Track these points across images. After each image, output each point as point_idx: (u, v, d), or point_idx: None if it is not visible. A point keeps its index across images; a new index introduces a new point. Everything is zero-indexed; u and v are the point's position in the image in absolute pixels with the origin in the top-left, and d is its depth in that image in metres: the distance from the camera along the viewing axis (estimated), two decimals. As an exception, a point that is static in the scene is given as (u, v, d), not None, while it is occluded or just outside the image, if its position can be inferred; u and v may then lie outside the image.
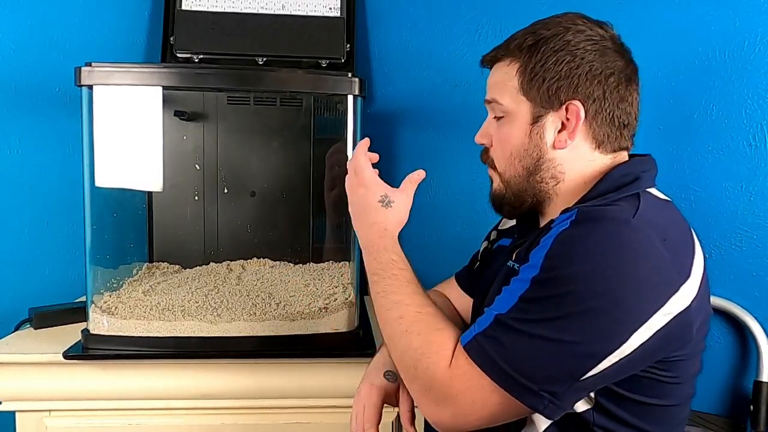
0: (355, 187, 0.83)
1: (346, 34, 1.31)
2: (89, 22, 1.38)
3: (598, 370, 0.64)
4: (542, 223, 0.84)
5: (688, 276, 0.67)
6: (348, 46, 1.31)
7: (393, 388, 0.82)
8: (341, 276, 1.16)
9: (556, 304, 0.64)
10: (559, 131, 0.77)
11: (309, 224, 1.25)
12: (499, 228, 1.02)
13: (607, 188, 0.75)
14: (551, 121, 0.77)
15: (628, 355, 0.64)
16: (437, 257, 1.46)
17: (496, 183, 0.84)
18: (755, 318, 1.31)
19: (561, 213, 0.75)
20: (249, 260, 1.24)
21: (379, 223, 0.80)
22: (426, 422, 0.74)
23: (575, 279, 0.63)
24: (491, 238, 1.03)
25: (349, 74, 0.98)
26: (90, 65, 0.92)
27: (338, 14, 1.32)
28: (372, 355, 0.98)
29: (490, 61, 0.84)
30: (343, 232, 1.14)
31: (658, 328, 0.64)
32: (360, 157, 0.84)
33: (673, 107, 1.37)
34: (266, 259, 1.25)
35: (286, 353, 1.00)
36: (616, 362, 0.64)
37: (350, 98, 1.00)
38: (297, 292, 1.08)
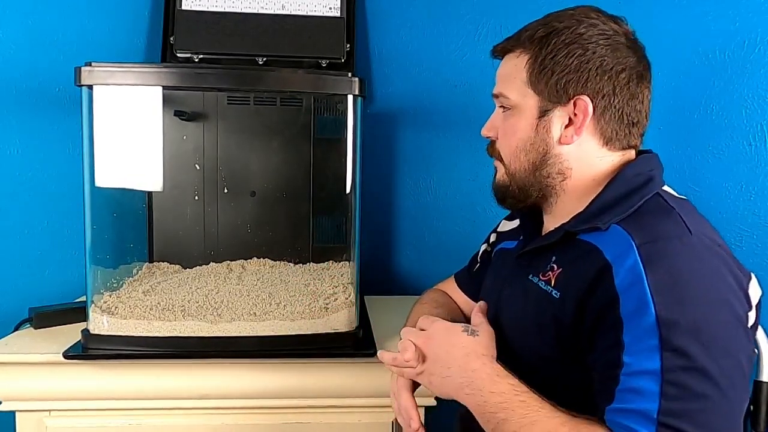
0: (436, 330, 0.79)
1: (346, 34, 1.31)
2: (89, 22, 1.38)
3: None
4: (548, 223, 0.83)
5: (749, 275, 0.70)
6: (348, 46, 1.31)
7: None
8: (341, 276, 1.16)
9: (701, 354, 0.62)
10: (566, 126, 0.76)
11: (309, 224, 1.25)
12: (498, 230, 1.01)
13: (622, 190, 0.74)
14: (558, 116, 0.76)
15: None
16: (437, 257, 1.46)
17: (501, 174, 0.83)
18: (755, 318, 1.31)
19: (575, 219, 0.75)
20: (249, 260, 1.24)
21: (471, 352, 0.74)
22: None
23: (698, 326, 0.63)
24: (490, 240, 1.03)
25: (349, 74, 0.98)
26: (90, 65, 0.92)
27: (338, 14, 1.32)
28: (372, 355, 0.99)
29: (500, 51, 0.82)
30: (344, 232, 1.14)
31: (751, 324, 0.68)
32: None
33: (673, 107, 1.37)
34: (266, 259, 1.24)
35: (286, 353, 0.99)
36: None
37: (350, 98, 1.00)
38: (297, 292, 1.08)
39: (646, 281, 0.64)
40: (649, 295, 0.63)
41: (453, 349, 0.75)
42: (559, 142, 0.76)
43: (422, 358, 0.77)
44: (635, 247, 0.66)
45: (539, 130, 0.77)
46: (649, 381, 0.62)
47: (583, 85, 0.74)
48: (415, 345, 0.78)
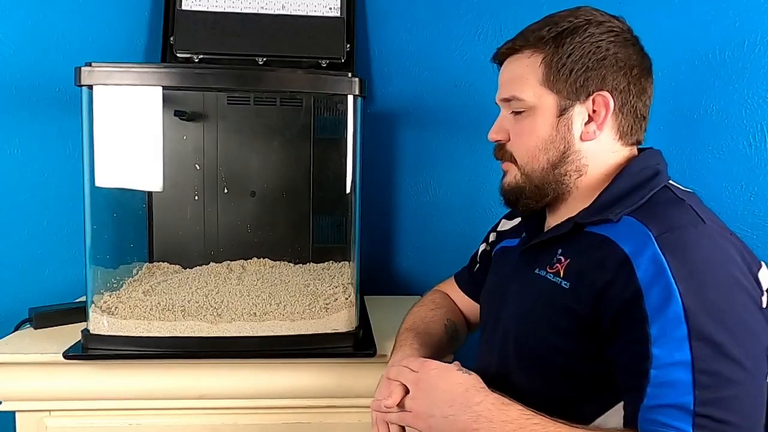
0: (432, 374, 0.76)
1: (346, 34, 1.31)
2: (89, 22, 1.37)
3: None
4: (552, 220, 0.82)
5: (760, 264, 0.70)
6: (348, 46, 1.31)
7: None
8: (341, 276, 1.16)
9: (728, 340, 0.62)
10: (587, 123, 0.76)
11: (309, 224, 1.25)
12: (497, 230, 1.01)
13: (631, 183, 0.74)
14: (578, 113, 0.76)
15: None
16: (437, 257, 1.46)
17: (513, 176, 0.81)
18: (755, 318, 1.30)
19: (583, 212, 0.75)
20: (249, 260, 1.24)
21: (470, 387, 0.72)
22: None
23: (721, 308, 0.64)
24: (490, 240, 1.03)
25: (349, 74, 0.98)
26: (90, 65, 0.91)
27: (338, 14, 1.32)
28: (372, 355, 0.99)
29: (505, 54, 0.81)
30: (344, 232, 1.14)
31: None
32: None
33: (673, 107, 1.37)
34: (266, 259, 1.24)
35: (286, 353, 0.99)
36: None
37: (350, 98, 1.00)
38: (297, 293, 1.08)
39: (669, 271, 0.64)
40: (674, 284, 0.63)
41: (452, 386, 0.72)
42: (581, 138, 0.77)
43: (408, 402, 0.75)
44: (653, 238, 0.66)
45: (560, 129, 0.76)
46: (681, 372, 0.62)
47: (601, 81, 0.75)
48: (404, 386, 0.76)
